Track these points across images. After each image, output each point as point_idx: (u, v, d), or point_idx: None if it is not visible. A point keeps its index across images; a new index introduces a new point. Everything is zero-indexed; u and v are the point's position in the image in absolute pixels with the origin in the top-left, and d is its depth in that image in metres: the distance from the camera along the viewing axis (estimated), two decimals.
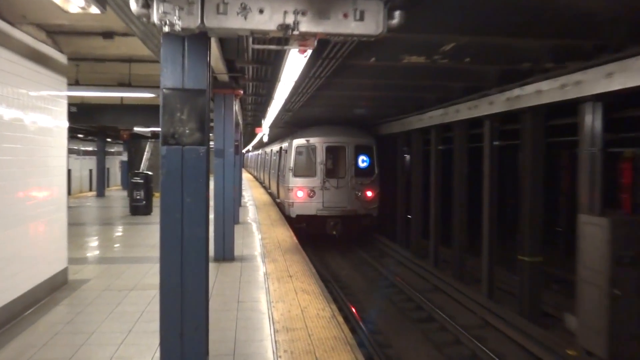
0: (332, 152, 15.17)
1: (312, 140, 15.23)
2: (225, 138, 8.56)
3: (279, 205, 17.69)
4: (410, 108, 13.51)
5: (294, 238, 11.37)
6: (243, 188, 25.31)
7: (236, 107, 10.43)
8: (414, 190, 14.02)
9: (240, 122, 15.62)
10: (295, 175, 14.82)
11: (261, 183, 29.37)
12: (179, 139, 3.78)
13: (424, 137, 13.68)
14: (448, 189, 12.14)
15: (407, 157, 15.15)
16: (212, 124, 8.57)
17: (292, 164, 15.09)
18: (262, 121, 16.61)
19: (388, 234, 16.31)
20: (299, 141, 15.29)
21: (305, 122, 18.42)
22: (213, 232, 8.61)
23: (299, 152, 15.22)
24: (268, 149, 24.58)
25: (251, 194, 24.40)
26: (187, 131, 3.78)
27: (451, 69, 8.97)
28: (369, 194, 14.86)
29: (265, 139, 20.34)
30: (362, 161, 15.12)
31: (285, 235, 11.88)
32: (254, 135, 27.37)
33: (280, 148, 18.28)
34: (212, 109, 8.57)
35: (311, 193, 14.65)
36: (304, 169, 14.93)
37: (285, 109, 13.09)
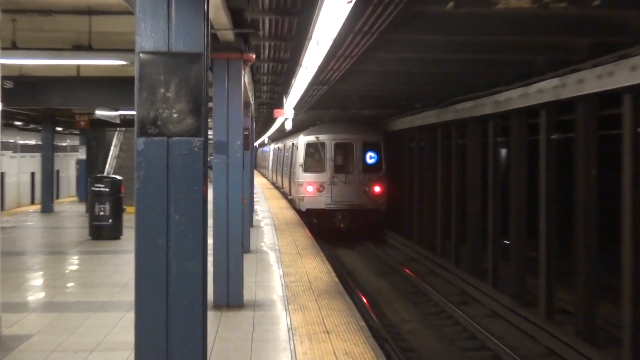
0: (341, 149, 22.57)
1: (322, 137, 22.67)
2: (230, 125, 8.65)
3: (291, 202, 25.27)
4: (508, 78, 13.38)
5: (332, 274, 11.40)
6: (255, 199, 25.50)
7: (246, 78, 10.53)
8: (516, 201, 13.86)
9: (252, 101, 15.78)
10: (305, 170, 22.39)
11: (279, 188, 33.08)
12: (163, 126, 3.81)
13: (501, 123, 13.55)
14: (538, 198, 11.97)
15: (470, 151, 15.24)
16: (210, 105, 8.67)
17: (302, 160, 22.78)
18: (284, 100, 16.76)
19: (471, 268, 16.19)
20: (308, 138, 22.76)
21: (344, 100, 19.26)
22: (212, 266, 8.69)
23: (308, 149, 22.65)
24: (281, 144, 32.70)
25: (268, 207, 24.58)
26: (176, 115, 3.81)
27: (571, 18, 8.83)
28: (377, 189, 22.11)
29: (289, 126, 20.57)
30: (370, 157, 22.45)
31: (319, 269, 11.91)
32: (271, 120, 27.67)
33: (292, 144, 25.80)
34: (211, 82, 8.67)
35: (320, 188, 22.23)
36: (314, 165, 22.44)
37: (318, 81, 13.20)
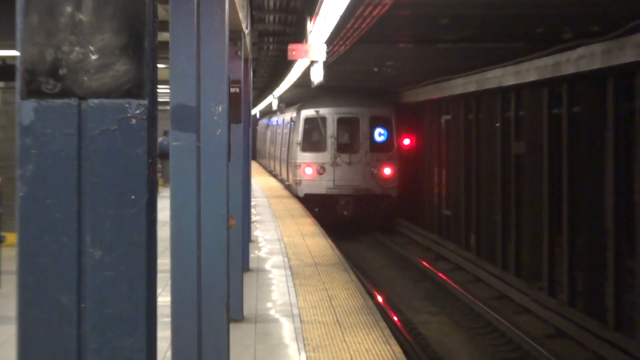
0: (345, 124, 35.79)
1: (322, 111, 35.95)
2: (202, 76, 8.65)
3: (288, 188, 40.11)
4: None
5: None
6: (255, 217, 25.22)
7: None
8: None
9: (246, 29, 15.79)
10: (304, 150, 35.92)
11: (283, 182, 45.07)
12: (70, 78, 3.81)
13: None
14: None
15: None
16: (165, 37, 8.72)
17: (300, 138, 36.29)
18: (308, 27, 16.68)
19: None
20: (307, 112, 36.12)
21: (425, 25, 19.32)
22: (170, 347, 8.70)
23: (307, 124, 35.91)
24: (280, 119, 48.12)
25: (278, 233, 24.67)
26: (95, 56, 3.81)
27: None
28: (387, 171, 35.49)
29: (318, 78, 20.70)
30: (379, 134, 35.82)
31: (377, 353, 11.91)
32: (284, 65, 27.57)
33: (291, 119, 40.32)
34: None
35: (321, 170, 35.13)
36: (313, 143, 35.94)
37: None
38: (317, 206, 35.43)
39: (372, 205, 36.52)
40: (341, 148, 36.56)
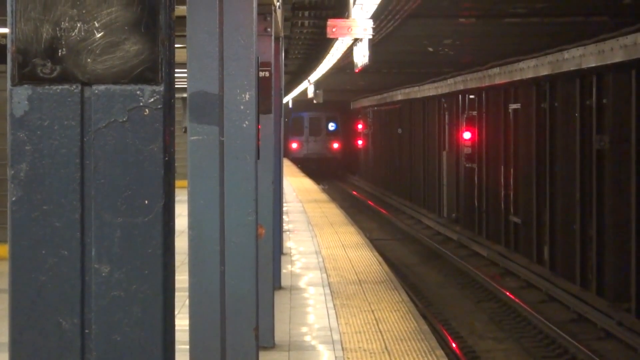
0: (313, 120, 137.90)
1: (301, 114, 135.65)
2: (226, 58, 8.66)
3: (286, 156, 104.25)
4: None
5: None
6: (288, 224, 25.28)
7: None
8: None
9: (277, 1, 15.83)
10: (292, 134, 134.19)
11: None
12: (71, 60, 3.84)
13: None
14: None
15: None
16: (182, 10, 8.77)
17: (290, 127, 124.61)
18: None
19: None
20: (294, 115, 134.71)
21: None
22: None
23: (294, 121, 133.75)
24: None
25: (315, 245, 24.72)
26: (100, 34, 3.83)
27: None
28: (335, 145, 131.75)
29: (362, 60, 20.83)
30: (331, 126, 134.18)
31: None
32: (322, 45, 27.69)
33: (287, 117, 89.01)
34: None
35: (301, 145, 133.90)
36: (296, 131, 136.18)
37: None
38: (300, 164, 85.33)
39: (327, 163, 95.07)
40: (311, 133, 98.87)
